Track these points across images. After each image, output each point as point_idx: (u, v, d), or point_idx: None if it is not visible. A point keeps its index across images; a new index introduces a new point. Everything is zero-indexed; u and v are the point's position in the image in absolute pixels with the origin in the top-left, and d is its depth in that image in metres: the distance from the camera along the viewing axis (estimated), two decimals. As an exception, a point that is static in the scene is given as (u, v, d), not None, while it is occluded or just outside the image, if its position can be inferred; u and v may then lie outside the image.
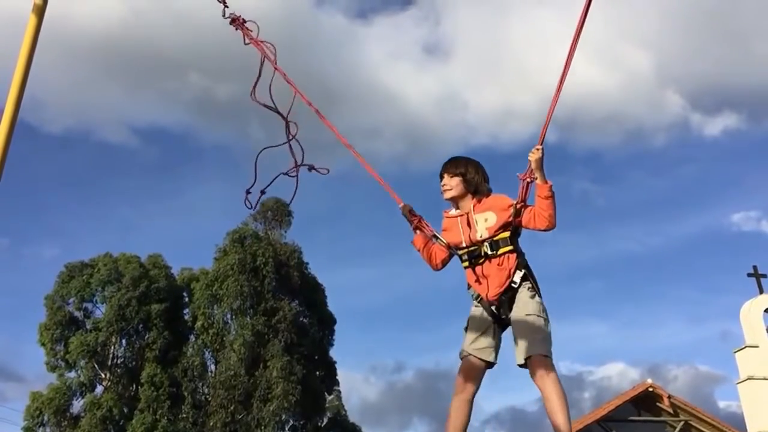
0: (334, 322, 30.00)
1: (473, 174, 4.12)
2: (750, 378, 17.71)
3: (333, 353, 29.96)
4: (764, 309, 18.52)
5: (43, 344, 27.07)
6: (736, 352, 18.36)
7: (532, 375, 3.69)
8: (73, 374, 26.96)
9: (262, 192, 4.28)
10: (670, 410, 20.01)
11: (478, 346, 3.86)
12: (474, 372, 3.85)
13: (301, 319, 28.68)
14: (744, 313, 18.53)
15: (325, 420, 29.55)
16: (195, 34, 47.73)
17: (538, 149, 3.77)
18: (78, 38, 46.58)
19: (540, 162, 3.76)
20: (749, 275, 19.03)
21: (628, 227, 61.31)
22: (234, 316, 27.74)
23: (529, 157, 3.79)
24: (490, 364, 3.88)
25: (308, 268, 30.09)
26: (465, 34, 61.60)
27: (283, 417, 26.50)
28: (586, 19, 3.62)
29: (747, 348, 18.05)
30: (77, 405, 26.43)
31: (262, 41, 4.35)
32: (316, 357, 28.94)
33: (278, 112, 4.27)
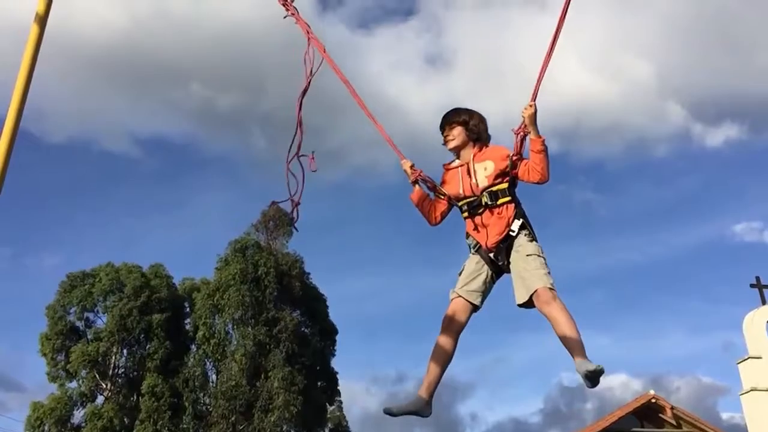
0: (336, 332, 29.94)
1: (476, 121, 4.27)
2: (753, 389, 17.62)
3: (334, 364, 29.90)
4: (767, 320, 18.45)
5: (44, 354, 27.03)
6: (739, 363, 18.28)
7: (540, 304, 3.76)
8: (74, 384, 26.94)
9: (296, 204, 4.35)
10: (673, 422, 19.92)
11: (469, 288, 3.99)
12: (461, 313, 3.97)
13: (302, 329, 28.62)
14: (747, 324, 18.47)
15: (327, 431, 29.45)
16: (197, 44, 48.03)
17: (531, 105, 3.91)
18: (80, 48, 46.84)
19: (533, 118, 3.91)
20: (752, 286, 18.99)
21: (630, 237, 61.32)
22: (235, 326, 27.69)
23: (522, 114, 3.95)
24: (476, 308, 4.01)
25: (310, 278, 30.07)
26: (467, 45, 61.82)
27: (285, 428, 26.39)
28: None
29: (750, 359, 17.97)
30: (78, 415, 26.41)
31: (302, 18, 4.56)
32: (318, 367, 28.85)
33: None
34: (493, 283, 4.07)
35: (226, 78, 48.28)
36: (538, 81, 3.95)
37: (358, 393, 51.49)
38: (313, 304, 29.42)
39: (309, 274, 30.05)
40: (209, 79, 47.65)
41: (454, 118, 4.30)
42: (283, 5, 4.53)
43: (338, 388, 29.91)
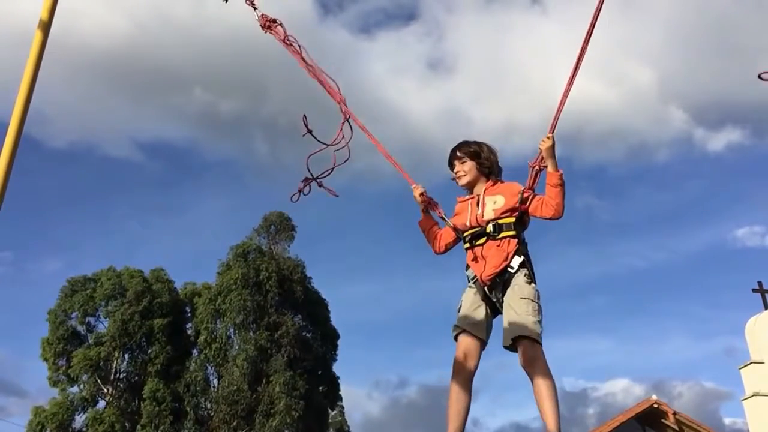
0: (337, 337, 29.96)
1: (487, 154, 4.08)
2: (756, 394, 17.55)
3: (336, 368, 29.94)
4: (769, 325, 18.39)
5: (45, 359, 27.04)
6: (741, 368, 18.23)
7: (521, 358, 3.60)
8: (75, 389, 26.94)
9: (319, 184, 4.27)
10: (675, 427, 19.84)
11: (473, 321, 3.80)
12: (471, 350, 3.75)
13: (304, 333, 28.63)
14: (749, 328, 18.41)
15: (328, 436, 29.43)
16: (199, 50, 48.12)
17: (549, 138, 3.76)
18: (83, 53, 46.93)
19: (551, 150, 3.76)
20: (754, 291, 18.92)
21: (632, 242, 61.21)
22: (237, 331, 27.70)
23: (539, 146, 3.79)
24: (483, 342, 3.80)
25: (311, 282, 30.10)
26: (468, 50, 61.91)
27: (286, 432, 26.39)
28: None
29: (752, 364, 17.91)
30: (79, 420, 26.38)
31: (289, 39, 4.42)
32: (319, 372, 28.85)
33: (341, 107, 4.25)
34: (492, 318, 3.86)
35: (227, 83, 48.41)
36: (557, 112, 3.80)
37: (360, 398, 51.50)
38: (315, 309, 29.43)
39: (310, 278, 30.12)
40: (211, 84, 47.77)
41: (463, 152, 4.10)
42: (268, 31, 4.39)
43: (340, 392, 29.97)
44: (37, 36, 3.62)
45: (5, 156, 3.37)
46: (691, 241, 61.73)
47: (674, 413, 19.86)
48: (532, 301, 3.70)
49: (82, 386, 26.79)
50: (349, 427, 30.96)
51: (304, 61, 4.38)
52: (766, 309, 18.56)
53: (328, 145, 4.19)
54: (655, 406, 19.77)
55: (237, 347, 27.35)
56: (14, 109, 3.46)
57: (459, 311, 3.89)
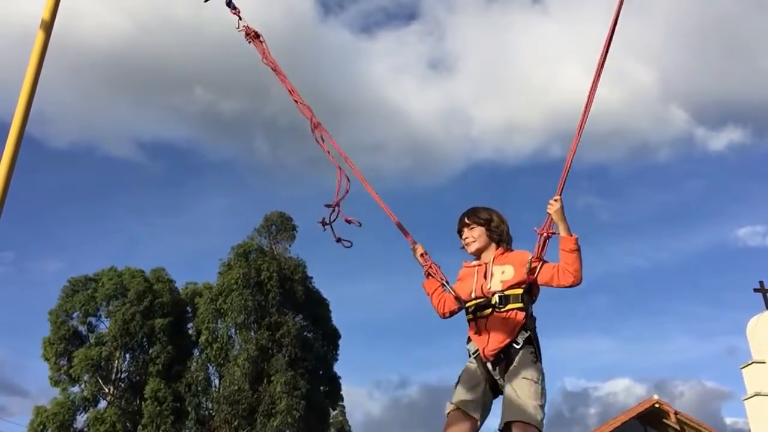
0: (338, 336, 29.97)
1: (498, 222, 3.87)
2: (757, 394, 17.54)
3: (337, 368, 29.95)
4: (771, 324, 18.37)
5: (46, 359, 27.06)
6: (742, 368, 18.22)
7: None
8: (76, 389, 26.98)
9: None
10: (677, 427, 19.84)
11: (467, 398, 3.54)
12: (460, 428, 3.49)
13: (305, 333, 28.64)
14: (750, 328, 18.40)
15: (329, 435, 29.44)
16: (200, 49, 48.13)
17: (556, 200, 3.55)
18: (84, 53, 46.97)
19: (560, 213, 3.54)
20: (755, 290, 18.90)
21: (633, 242, 61.28)
22: (238, 331, 27.71)
23: (547, 210, 3.57)
24: (476, 423, 3.51)
25: (312, 282, 30.10)
26: (469, 49, 61.92)
27: (287, 432, 26.41)
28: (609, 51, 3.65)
29: (754, 364, 17.90)
30: (81, 420, 26.41)
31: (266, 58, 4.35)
32: (320, 372, 28.86)
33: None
34: (492, 398, 3.60)
35: (228, 83, 48.43)
36: (565, 171, 3.61)
37: (361, 397, 51.60)
38: (316, 309, 29.43)
39: (311, 278, 30.13)
40: (212, 83, 47.81)
41: (473, 219, 3.89)
42: (251, 42, 4.33)
43: (341, 392, 29.97)
44: (39, 36, 3.62)
45: (7, 156, 3.37)
46: (692, 241, 61.77)
47: (676, 413, 19.85)
48: (535, 382, 3.43)
49: (83, 386, 26.83)
50: (350, 426, 31.06)
51: (289, 87, 4.28)
52: (767, 309, 18.56)
53: (340, 199, 4.08)
54: (657, 405, 19.76)
55: (238, 347, 27.35)
56: (16, 109, 3.46)
57: (456, 386, 3.65)
